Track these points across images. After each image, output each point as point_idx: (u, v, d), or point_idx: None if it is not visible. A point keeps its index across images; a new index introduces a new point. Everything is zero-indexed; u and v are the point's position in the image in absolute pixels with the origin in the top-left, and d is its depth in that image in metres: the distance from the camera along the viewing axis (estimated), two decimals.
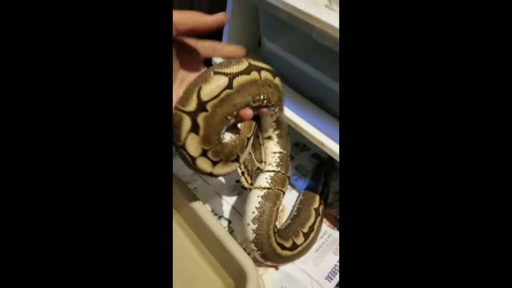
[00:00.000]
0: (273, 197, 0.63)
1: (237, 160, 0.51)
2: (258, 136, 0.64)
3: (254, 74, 0.46)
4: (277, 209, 0.62)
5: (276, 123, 0.62)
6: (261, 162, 0.63)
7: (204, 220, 0.58)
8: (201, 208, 0.60)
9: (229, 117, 0.46)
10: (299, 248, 0.63)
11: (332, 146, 0.63)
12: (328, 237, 0.74)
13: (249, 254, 0.58)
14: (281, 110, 0.59)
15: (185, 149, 0.44)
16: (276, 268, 0.65)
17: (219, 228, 0.58)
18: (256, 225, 0.58)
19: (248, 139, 0.54)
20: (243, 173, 0.55)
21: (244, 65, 0.45)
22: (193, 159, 0.46)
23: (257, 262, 0.62)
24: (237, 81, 0.43)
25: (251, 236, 0.59)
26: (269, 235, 0.59)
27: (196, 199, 0.61)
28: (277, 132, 0.64)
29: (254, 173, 0.60)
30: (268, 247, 0.59)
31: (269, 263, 0.63)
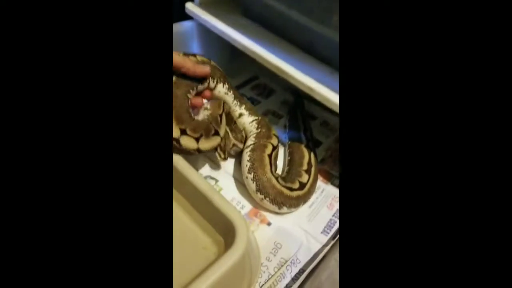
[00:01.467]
0: (261, 147, 0.65)
1: (217, 133, 0.58)
2: (235, 123, 0.71)
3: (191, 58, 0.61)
4: (269, 155, 0.64)
5: (237, 99, 0.70)
6: (241, 141, 0.68)
7: (185, 175, 0.53)
8: (182, 164, 0.54)
9: (188, 95, 0.58)
10: (308, 185, 0.64)
11: (323, 92, 0.58)
12: (322, 191, 0.70)
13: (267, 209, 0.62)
14: (231, 87, 0.69)
15: None
16: (268, 224, 0.61)
17: (203, 182, 0.52)
18: (252, 174, 0.61)
19: (220, 115, 0.61)
20: (217, 148, 0.60)
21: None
22: (177, 140, 0.53)
23: (277, 215, 0.63)
24: None
25: (253, 185, 0.61)
26: (269, 178, 0.61)
27: (176, 154, 0.56)
28: (243, 106, 0.71)
29: (232, 150, 0.67)
30: (272, 189, 0.60)
31: (285, 209, 0.61)
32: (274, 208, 0.62)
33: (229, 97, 0.69)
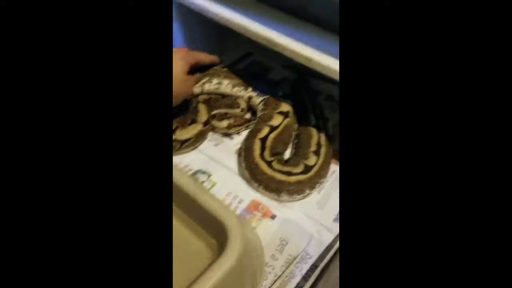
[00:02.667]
0: (254, 132, 0.61)
1: (194, 122, 0.62)
2: (238, 106, 0.70)
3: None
4: (262, 139, 0.59)
5: (239, 85, 0.71)
6: (243, 124, 0.67)
7: None
8: None
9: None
10: (316, 168, 0.57)
11: (323, 60, 0.49)
12: (332, 173, 0.61)
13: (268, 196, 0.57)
14: (232, 75, 0.72)
15: None
16: (272, 217, 0.54)
17: (189, 182, 0.46)
18: (244, 162, 0.57)
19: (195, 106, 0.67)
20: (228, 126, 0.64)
21: None
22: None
23: (281, 205, 0.56)
24: None
25: (247, 174, 0.57)
26: (256, 163, 0.56)
27: None
28: (249, 88, 0.71)
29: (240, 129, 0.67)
30: (262, 175, 0.55)
31: (285, 197, 0.55)
32: (273, 196, 0.55)
33: (229, 87, 0.70)
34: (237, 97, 0.71)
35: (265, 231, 0.52)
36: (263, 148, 0.58)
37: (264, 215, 0.54)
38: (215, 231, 0.44)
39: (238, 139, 0.66)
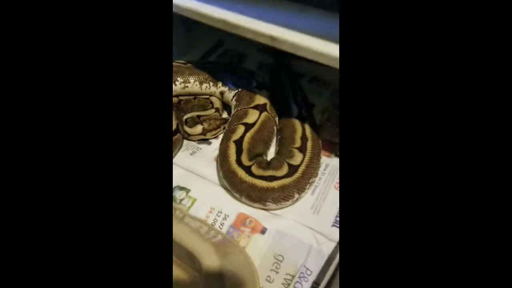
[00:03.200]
0: (227, 134, 0.53)
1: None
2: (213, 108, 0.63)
3: None
4: (236, 141, 0.51)
5: (208, 80, 0.63)
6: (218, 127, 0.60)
7: None
8: None
9: None
10: (302, 167, 0.49)
11: (291, 38, 0.40)
12: (325, 168, 0.55)
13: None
14: (199, 71, 0.63)
15: None
16: (262, 231, 0.47)
17: None
18: (221, 170, 0.51)
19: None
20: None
21: None
22: None
23: (271, 215, 0.50)
24: None
25: (226, 183, 0.50)
26: (233, 171, 0.48)
27: None
28: (219, 83, 0.63)
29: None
30: (241, 184, 0.47)
31: (271, 205, 0.48)
32: (258, 206, 0.49)
33: (196, 84, 0.62)
34: (209, 95, 0.63)
35: (257, 249, 0.45)
36: (239, 152, 0.50)
37: (254, 229, 0.47)
38: (194, 263, 0.38)
39: (217, 143, 0.59)
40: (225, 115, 0.64)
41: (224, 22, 0.45)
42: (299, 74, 0.71)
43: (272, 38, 0.41)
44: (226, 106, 0.64)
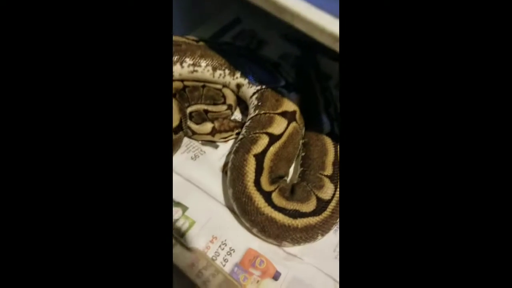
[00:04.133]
0: (246, 144, 0.42)
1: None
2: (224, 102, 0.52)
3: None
4: (257, 155, 0.40)
5: (224, 67, 0.51)
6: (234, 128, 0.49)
7: None
8: None
9: None
10: (332, 204, 0.39)
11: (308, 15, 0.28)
12: None
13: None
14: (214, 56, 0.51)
15: None
16: (275, 276, 0.38)
17: None
18: (231, 189, 0.40)
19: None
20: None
21: None
22: None
23: (286, 254, 0.40)
24: None
25: (236, 208, 0.40)
26: (249, 195, 0.38)
27: None
28: (238, 73, 0.51)
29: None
30: (257, 214, 0.37)
31: (287, 244, 0.39)
32: (271, 242, 0.40)
33: (208, 70, 0.49)
34: (222, 86, 0.51)
35: None
36: (259, 171, 0.40)
37: (264, 273, 0.38)
38: None
39: (225, 148, 0.48)
40: (237, 113, 0.53)
41: None
42: (327, 76, 0.60)
43: (293, 14, 0.29)
44: (239, 100, 0.53)
